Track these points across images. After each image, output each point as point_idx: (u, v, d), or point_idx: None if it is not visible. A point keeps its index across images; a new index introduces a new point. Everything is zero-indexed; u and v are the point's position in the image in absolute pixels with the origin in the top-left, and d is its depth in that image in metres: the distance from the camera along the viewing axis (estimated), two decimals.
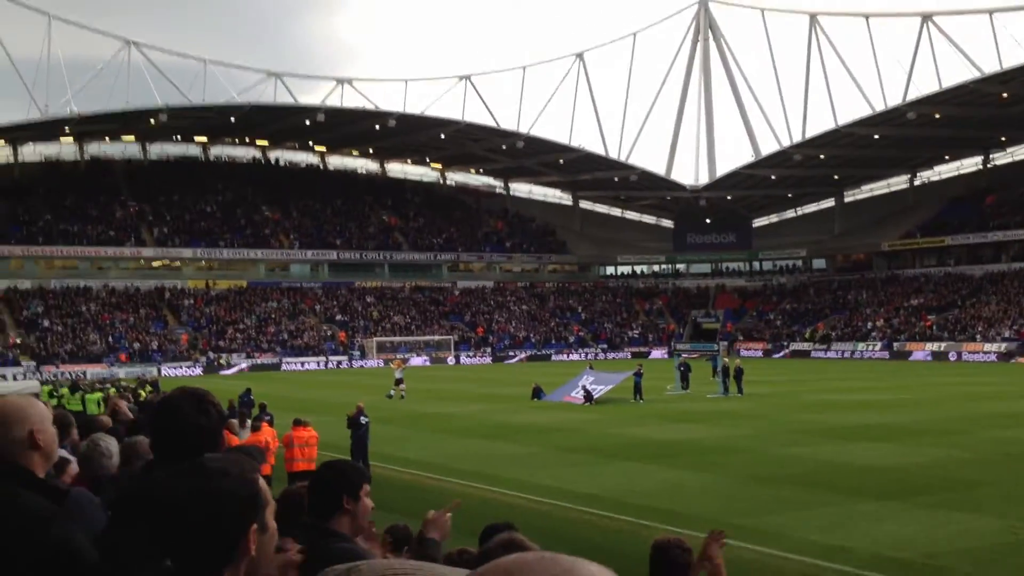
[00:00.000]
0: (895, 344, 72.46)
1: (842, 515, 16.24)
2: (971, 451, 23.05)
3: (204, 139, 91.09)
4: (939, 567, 13.05)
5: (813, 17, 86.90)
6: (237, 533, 2.01)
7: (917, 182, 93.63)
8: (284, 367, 70.34)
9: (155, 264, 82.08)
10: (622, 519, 16.01)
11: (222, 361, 69.71)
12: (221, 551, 2.00)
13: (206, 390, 3.41)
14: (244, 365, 69.33)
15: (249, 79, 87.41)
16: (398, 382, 42.39)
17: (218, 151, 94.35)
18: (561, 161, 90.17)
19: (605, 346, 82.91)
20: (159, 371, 64.97)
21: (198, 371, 66.51)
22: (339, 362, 73.61)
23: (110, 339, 71.01)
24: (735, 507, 17.26)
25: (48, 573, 2.59)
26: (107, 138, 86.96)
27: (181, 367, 67.26)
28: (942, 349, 68.74)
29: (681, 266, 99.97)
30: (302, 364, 71.35)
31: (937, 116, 73.16)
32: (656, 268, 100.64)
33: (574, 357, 77.13)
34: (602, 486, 19.33)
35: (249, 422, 19.26)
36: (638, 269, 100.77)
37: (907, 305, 78.71)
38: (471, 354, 78.51)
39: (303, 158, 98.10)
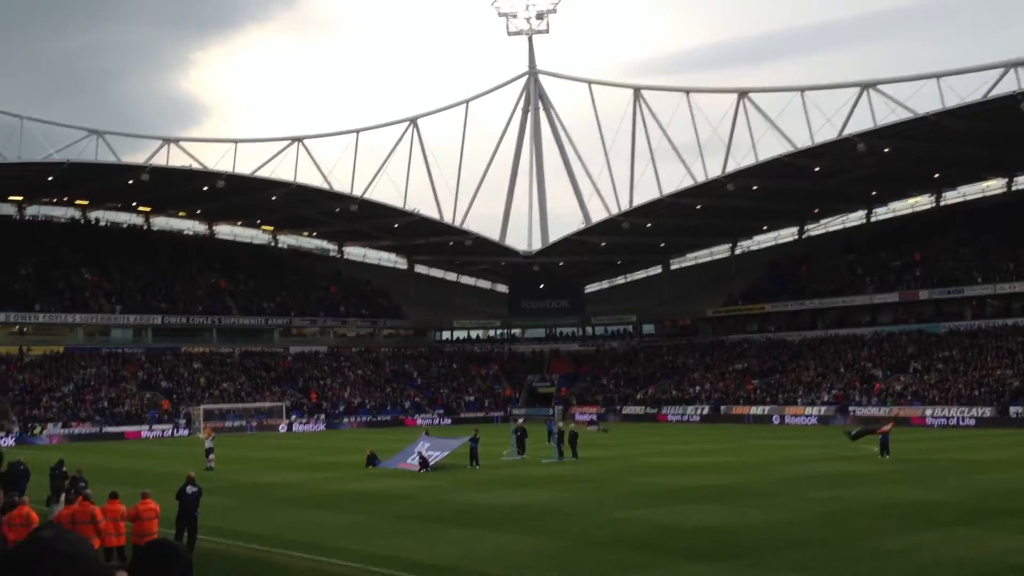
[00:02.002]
0: (722, 407, 74.91)
1: None
2: (795, 511, 23.86)
3: (19, 198, 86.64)
4: None
5: (637, 91, 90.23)
6: None
7: (738, 251, 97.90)
8: (103, 437, 66.79)
9: None
10: None
11: (35, 431, 65.71)
12: None
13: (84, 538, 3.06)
14: (59, 434, 65.52)
15: (70, 136, 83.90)
16: (208, 452, 40.63)
17: (35, 210, 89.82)
18: (396, 225, 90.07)
19: (442, 411, 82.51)
20: None
21: (10, 442, 62.40)
22: (163, 431, 70.42)
23: None
24: (571, 571, 17.33)
25: None
26: None
27: None
28: (766, 412, 71.49)
29: (516, 331, 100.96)
30: (122, 434, 67.97)
31: (755, 188, 76.80)
32: (492, 333, 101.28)
33: (411, 423, 76.45)
34: (437, 554, 19.10)
35: (63, 496, 18.14)
36: (474, 334, 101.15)
37: (732, 369, 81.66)
38: (304, 421, 76.65)
39: (126, 218, 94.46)
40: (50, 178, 76.58)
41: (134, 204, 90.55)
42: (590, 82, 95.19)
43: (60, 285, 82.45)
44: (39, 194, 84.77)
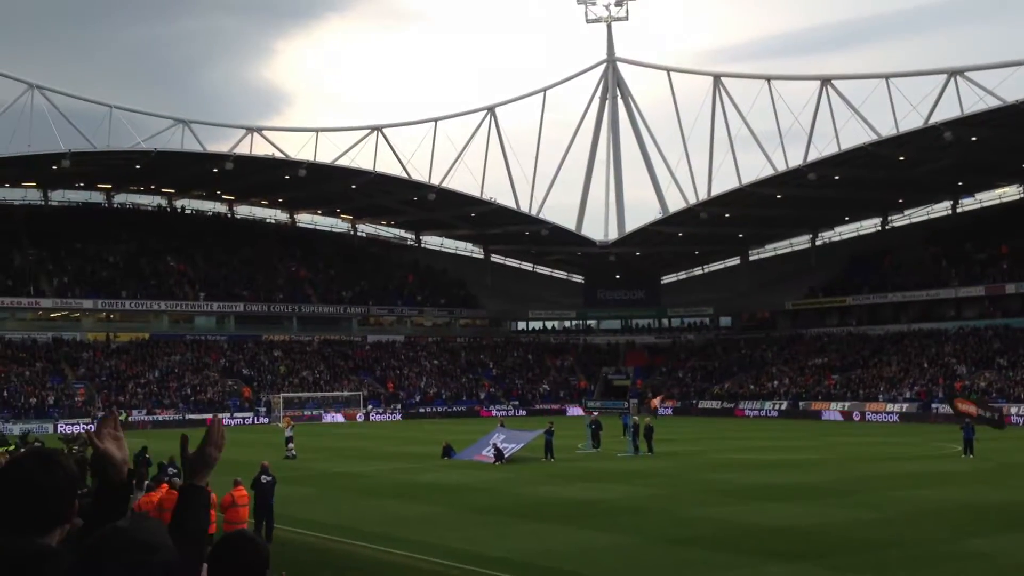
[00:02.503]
0: (800, 403, 73.69)
1: None
2: (876, 511, 23.36)
3: (108, 186, 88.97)
4: None
5: (717, 78, 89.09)
6: None
7: (819, 242, 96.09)
8: (186, 424, 68.26)
9: (53, 315, 79.43)
10: None
11: (121, 417, 67.44)
12: None
13: (58, 450, 3.14)
14: (146, 420, 67.21)
15: (156, 125, 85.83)
16: (288, 440, 41.30)
17: (122, 198, 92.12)
18: (473, 214, 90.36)
19: (517, 402, 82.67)
20: (56, 427, 62.64)
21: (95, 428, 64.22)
22: (244, 419, 71.79)
23: (4, 393, 68.13)
24: (645, 569, 17.21)
25: None
26: (7, 183, 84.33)
27: (78, 423, 64.81)
28: (846, 408, 70.09)
29: (591, 322, 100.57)
30: (204, 421, 69.41)
31: (837, 177, 75.29)
32: (567, 323, 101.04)
33: (486, 414, 76.79)
34: (512, 548, 19.10)
35: (145, 483, 18.57)
36: (549, 324, 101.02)
37: (811, 364, 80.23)
38: (381, 410, 77.46)
39: (210, 207, 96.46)
40: (137, 166, 78.41)
41: (218, 192, 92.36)
42: (669, 70, 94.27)
43: (146, 272, 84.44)
44: (127, 182, 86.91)
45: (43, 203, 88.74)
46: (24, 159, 73.73)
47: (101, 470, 3.26)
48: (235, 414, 72.05)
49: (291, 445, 41.09)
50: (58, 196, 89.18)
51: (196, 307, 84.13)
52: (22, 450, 27.99)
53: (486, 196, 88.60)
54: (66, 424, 63.28)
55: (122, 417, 65.40)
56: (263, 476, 21.07)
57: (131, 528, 2.18)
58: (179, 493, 3.24)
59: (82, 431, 48.62)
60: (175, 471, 22.97)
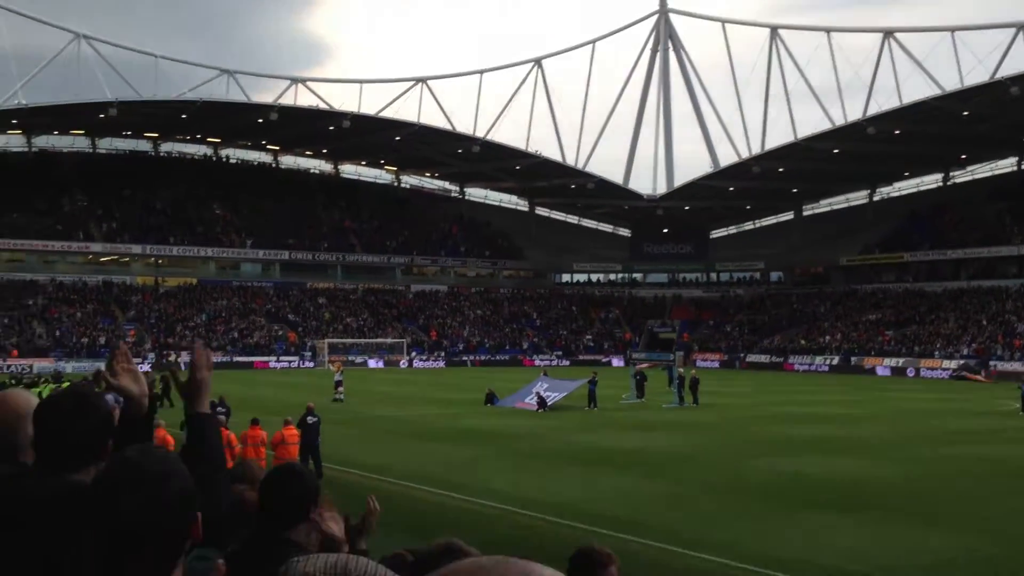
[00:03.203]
0: (852, 358, 72.70)
1: (798, 527, 16.01)
2: (926, 467, 22.85)
3: (155, 135, 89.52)
4: None
5: (774, 30, 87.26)
6: (187, 529, 2.08)
7: (876, 197, 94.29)
8: (234, 366, 68.97)
9: (103, 259, 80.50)
10: (575, 526, 15.51)
11: (171, 359, 68.26)
12: (176, 549, 2.07)
13: (93, 391, 3.12)
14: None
15: (202, 75, 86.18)
16: (337, 384, 41.65)
17: (169, 147, 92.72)
18: (517, 167, 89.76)
19: (560, 353, 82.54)
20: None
21: (146, 368, 65.01)
22: (290, 362, 72.51)
23: (57, 333, 69.53)
24: (689, 516, 16.97)
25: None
26: (56, 131, 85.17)
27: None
28: (900, 364, 69.00)
29: (637, 275, 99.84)
30: (252, 364, 70.15)
31: (897, 132, 73.57)
32: (612, 277, 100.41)
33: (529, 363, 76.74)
34: (553, 492, 18.96)
35: None
36: (594, 277, 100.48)
37: (865, 320, 79.07)
38: (424, 357, 77.76)
39: (255, 156, 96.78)
40: (183, 116, 78.79)
41: (263, 142, 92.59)
42: (724, 21, 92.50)
43: (193, 219, 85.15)
44: (173, 131, 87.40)
45: (91, 151, 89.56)
46: (72, 107, 74.39)
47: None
48: (281, 357, 72.84)
49: (340, 389, 41.45)
50: (106, 144, 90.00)
51: (243, 254, 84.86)
52: (63, 386, 28.26)
53: (531, 149, 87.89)
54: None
55: (172, 359, 66.25)
56: (308, 417, 21.36)
57: (141, 458, 2.08)
58: (187, 422, 3.24)
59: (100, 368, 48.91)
60: (224, 410, 23.16)
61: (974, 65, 68.21)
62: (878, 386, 56.07)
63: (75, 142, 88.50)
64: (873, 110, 73.83)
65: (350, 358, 71.93)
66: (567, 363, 78.42)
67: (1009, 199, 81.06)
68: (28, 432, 2.88)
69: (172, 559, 2.07)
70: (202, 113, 77.49)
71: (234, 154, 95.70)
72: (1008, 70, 64.07)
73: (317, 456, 20.69)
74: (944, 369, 66.23)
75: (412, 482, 19.94)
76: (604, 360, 79.19)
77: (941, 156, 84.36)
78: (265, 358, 72.17)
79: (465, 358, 78.99)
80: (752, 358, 78.48)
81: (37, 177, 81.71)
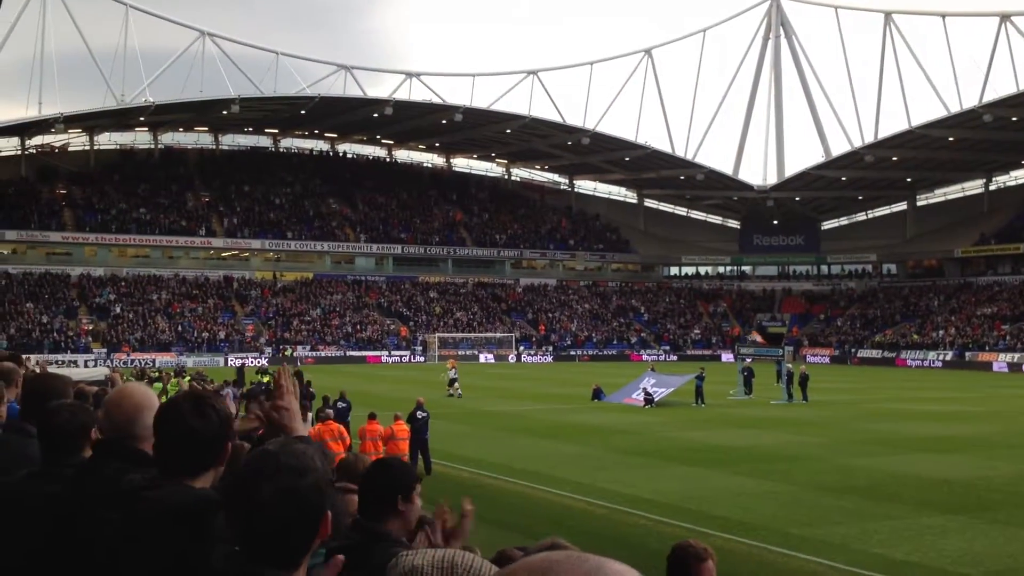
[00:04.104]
0: (967, 353, 70.78)
1: (907, 529, 15.89)
2: None
3: (275, 131, 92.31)
4: None
5: (888, 15, 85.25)
6: (319, 525, 2.18)
7: (992, 186, 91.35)
8: (347, 360, 70.72)
9: (224, 254, 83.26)
10: (681, 525, 15.72)
11: (287, 352, 70.40)
12: (307, 542, 2.18)
13: (211, 392, 3.28)
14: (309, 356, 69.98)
15: (319, 71, 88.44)
16: (452, 382, 41.90)
17: (288, 143, 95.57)
18: (627, 158, 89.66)
19: (668, 347, 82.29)
20: (226, 361, 66.13)
21: (263, 362, 67.33)
22: (401, 357, 73.95)
23: (179, 328, 72.03)
24: (796, 516, 16.98)
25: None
26: (180, 128, 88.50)
27: (248, 357, 68.10)
28: (1016, 360, 66.95)
29: (746, 268, 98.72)
30: (364, 358, 71.84)
31: (1014, 119, 71.29)
32: (721, 269, 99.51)
33: (637, 358, 76.74)
34: (661, 490, 19.13)
35: (310, 415, 19.39)
36: (702, 270, 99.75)
37: (980, 313, 76.84)
38: (532, 352, 78.43)
39: (370, 151, 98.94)
40: (302, 111, 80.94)
41: (378, 137, 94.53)
42: (837, 7, 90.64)
43: (310, 214, 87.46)
44: (292, 127, 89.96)
45: (214, 147, 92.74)
46: (196, 104, 77.19)
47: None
48: (392, 352, 74.26)
49: (456, 385, 41.57)
50: (228, 140, 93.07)
51: (357, 248, 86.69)
52: (185, 380, 29.65)
53: (641, 140, 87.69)
54: (236, 357, 66.60)
55: (288, 353, 68.20)
56: (418, 412, 21.70)
57: (281, 451, 2.21)
58: None
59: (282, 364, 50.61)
60: (345, 405, 23.94)
61: None
62: (993, 382, 54.52)
63: (199, 139, 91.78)
64: (989, 96, 71.64)
65: (460, 352, 73.04)
66: (675, 358, 78.19)
67: None
68: (146, 424, 2.97)
69: (303, 552, 2.16)
70: (320, 108, 79.60)
71: (350, 149, 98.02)
72: None
73: (426, 451, 21.14)
74: None
75: (519, 479, 20.35)
76: (710, 354, 78.80)
77: None
78: (377, 352, 73.77)
79: (573, 352, 79.42)
80: (864, 353, 76.98)
81: (162, 173, 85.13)
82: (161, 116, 79.75)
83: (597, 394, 39.64)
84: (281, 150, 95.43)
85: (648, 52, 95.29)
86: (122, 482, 2.79)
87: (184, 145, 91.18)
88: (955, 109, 75.00)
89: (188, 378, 31.40)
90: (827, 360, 75.28)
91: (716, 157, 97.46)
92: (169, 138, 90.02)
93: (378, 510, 3.54)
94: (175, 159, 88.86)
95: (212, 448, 2.82)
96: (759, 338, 73.85)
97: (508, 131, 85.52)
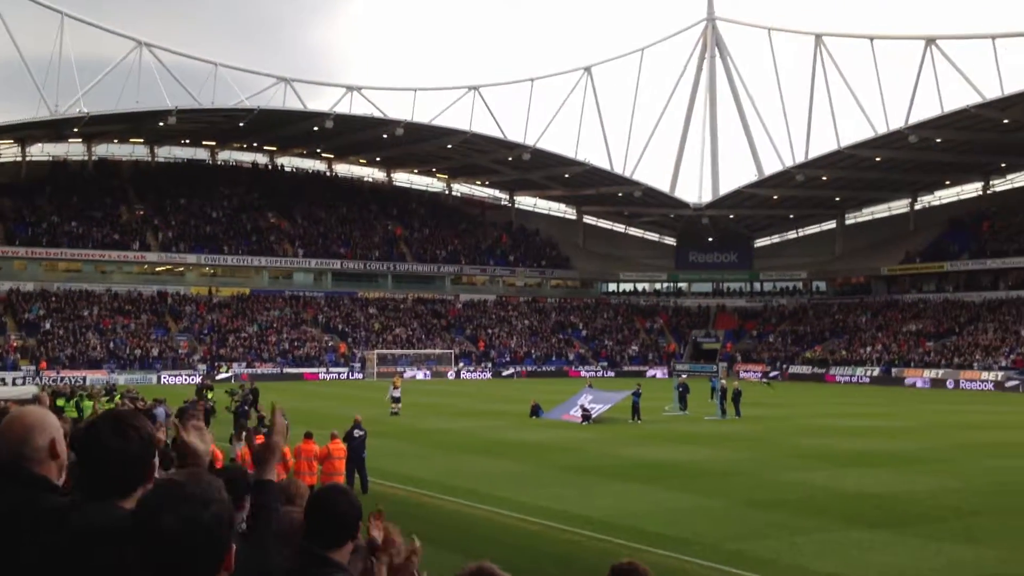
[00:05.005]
0: (893, 370, 72.47)
1: (835, 542, 16.34)
2: (965, 481, 23.12)
3: (212, 143, 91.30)
4: None
5: (819, 38, 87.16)
6: (223, 556, 2.20)
7: (918, 206, 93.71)
8: (284, 378, 70.11)
9: (158, 269, 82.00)
10: (615, 541, 16.02)
11: (222, 370, 69.55)
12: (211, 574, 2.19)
13: (134, 412, 3.23)
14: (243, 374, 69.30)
15: (259, 83, 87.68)
16: (396, 400, 41.39)
17: (226, 156, 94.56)
18: (566, 175, 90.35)
19: (606, 363, 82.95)
20: (159, 379, 65.25)
21: (197, 380, 66.48)
22: (339, 373, 73.46)
23: (111, 344, 70.68)
24: (728, 531, 17.32)
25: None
26: (115, 140, 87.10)
27: (180, 375, 67.24)
28: (939, 376, 68.74)
29: (682, 285, 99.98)
30: (302, 375, 71.28)
31: (938, 140, 73.42)
32: (658, 286, 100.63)
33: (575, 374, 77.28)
34: (595, 507, 19.40)
35: (244, 434, 19.38)
36: (639, 286, 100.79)
37: (906, 330, 78.71)
38: (471, 369, 78.51)
39: (310, 165, 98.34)
40: (241, 124, 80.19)
41: (318, 150, 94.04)
42: (770, 29, 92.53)
43: (248, 228, 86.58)
44: (231, 139, 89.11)
45: (150, 159, 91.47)
46: (132, 115, 76.06)
47: (181, 457, 3.47)
48: (331, 369, 73.76)
49: (398, 404, 41.06)
50: (164, 152, 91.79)
51: (295, 263, 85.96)
52: (115, 399, 29.17)
53: (580, 157, 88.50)
54: (169, 375, 65.70)
55: (223, 371, 67.44)
56: (355, 430, 21.65)
57: (186, 481, 2.24)
58: (254, 488, 3.47)
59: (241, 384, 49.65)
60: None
61: (1014, 72, 67.81)
62: (918, 398, 56.00)
63: (134, 151, 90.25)
64: (915, 118, 73.61)
65: (399, 369, 72.82)
66: (612, 374, 78.89)
67: None
68: (38, 446, 2.87)
69: None
70: (259, 121, 78.91)
71: (289, 162, 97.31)
72: None
73: (363, 470, 21.07)
74: (983, 381, 65.95)
75: (456, 497, 20.51)
76: (648, 373, 79.82)
77: (982, 164, 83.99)
78: (315, 369, 73.08)
79: (512, 369, 79.62)
80: (794, 369, 78.35)
81: (96, 186, 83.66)
82: (95, 127, 78.39)
83: (535, 411, 39.88)
84: (219, 163, 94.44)
85: (588, 69, 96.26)
86: (38, 504, 2.74)
87: (119, 157, 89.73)
88: (882, 130, 76.90)
89: (118, 396, 30.92)
90: (759, 376, 76.46)
91: (653, 174, 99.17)
92: (103, 150, 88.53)
93: (333, 537, 3.55)
94: (109, 171, 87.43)
95: (135, 467, 2.79)
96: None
97: (449, 146, 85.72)
